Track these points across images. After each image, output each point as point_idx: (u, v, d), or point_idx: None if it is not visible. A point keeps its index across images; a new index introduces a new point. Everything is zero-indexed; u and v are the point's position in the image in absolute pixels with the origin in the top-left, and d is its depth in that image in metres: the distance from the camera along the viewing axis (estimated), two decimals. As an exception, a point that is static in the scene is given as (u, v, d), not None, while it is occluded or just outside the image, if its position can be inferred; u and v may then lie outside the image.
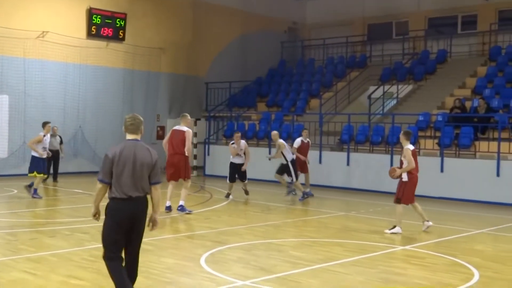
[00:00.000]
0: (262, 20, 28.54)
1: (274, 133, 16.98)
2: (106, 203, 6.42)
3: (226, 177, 16.84)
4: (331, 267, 8.80)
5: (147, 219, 6.60)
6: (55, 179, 19.54)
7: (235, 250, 9.82)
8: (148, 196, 6.52)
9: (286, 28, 30.30)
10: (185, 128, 13.29)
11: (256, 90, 26.66)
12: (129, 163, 6.31)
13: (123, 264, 6.50)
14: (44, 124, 15.58)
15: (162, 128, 25.54)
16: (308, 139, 17.59)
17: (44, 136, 15.30)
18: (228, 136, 23.31)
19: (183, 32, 25.93)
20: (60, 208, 15.07)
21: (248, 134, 22.74)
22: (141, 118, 6.67)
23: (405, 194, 11.46)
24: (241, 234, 11.22)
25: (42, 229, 11.14)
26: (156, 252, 9.46)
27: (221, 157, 22.04)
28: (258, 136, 22.65)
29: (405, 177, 11.45)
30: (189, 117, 13.73)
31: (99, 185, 6.38)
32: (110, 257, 6.41)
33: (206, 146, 23.71)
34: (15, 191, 16.81)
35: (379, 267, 8.91)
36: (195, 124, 23.66)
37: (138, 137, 6.57)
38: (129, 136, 6.56)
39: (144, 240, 10.09)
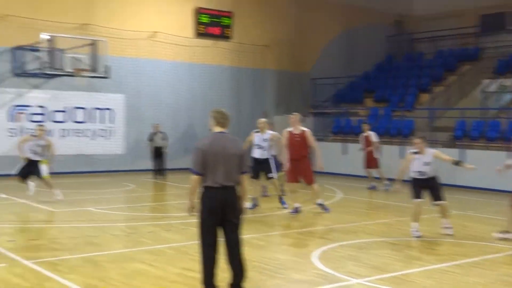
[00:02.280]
0: (367, 13, 28.07)
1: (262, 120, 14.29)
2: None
3: (334, 174, 16.72)
4: (448, 268, 8.52)
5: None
6: (162, 174, 20.15)
7: (347, 247, 9.73)
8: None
9: (393, 21, 29.62)
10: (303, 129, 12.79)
11: (363, 85, 26.25)
12: (220, 154, 6.52)
13: (217, 255, 6.64)
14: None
15: (270, 125, 25.70)
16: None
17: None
18: (336, 132, 23.18)
19: (288, 28, 26.02)
20: (173, 203, 15.57)
21: (356, 130, 22.42)
22: (228, 113, 6.89)
23: None
24: (352, 232, 11.10)
25: (158, 223, 11.57)
26: (268, 247, 9.58)
27: (328, 154, 21.89)
28: (366, 132, 22.27)
29: None
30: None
31: (193, 177, 6.59)
32: (205, 244, 6.61)
33: (313, 143, 23.61)
34: (132, 186, 17.59)
35: (501, 269, 8.52)
36: (302, 120, 23.62)
37: (226, 130, 6.77)
38: (217, 129, 6.77)
39: (256, 236, 10.39)
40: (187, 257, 8.80)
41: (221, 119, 6.80)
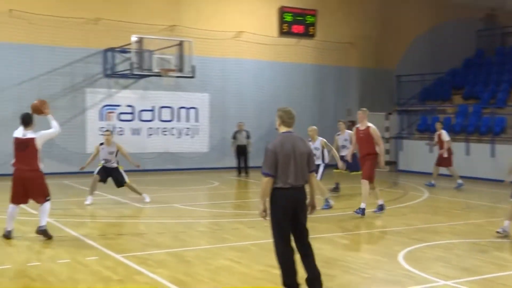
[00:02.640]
0: (455, 8, 27.16)
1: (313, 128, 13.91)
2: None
3: (420, 172, 16.31)
4: (544, 271, 8.11)
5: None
6: (246, 172, 20.37)
7: (435, 248, 9.45)
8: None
9: (483, 15, 28.52)
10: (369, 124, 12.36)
11: (450, 81, 25.42)
12: (291, 154, 6.54)
13: (295, 256, 6.65)
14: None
15: (353, 123, 25.45)
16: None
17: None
18: (422, 130, 22.62)
19: (373, 25, 25.62)
20: (257, 200, 15.63)
21: (443, 128, 21.77)
22: (295, 112, 6.84)
23: None
24: (440, 232, 10.79)
25: (242, 220, 11.69)
26: (353, 246, 9.47)
27: (415, 152, 21.44)
28: (455, 130, 21.61)
29: None
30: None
31: (265, 179, 6.58)
32: (281, 245, 6.65)
33: (399, 141, 23.17)
34: (216, 183, 17.87)
35: None
36: (387, 118, 23.26)
37: (292, 129, 6.76)
38: (284, 130, 6.75)
39: (340, 234, 10.29)
40: (271, 254, 8.76)
41: (288, 118, 6.78)
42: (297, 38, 23.95)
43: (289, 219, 6.62)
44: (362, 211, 11.97)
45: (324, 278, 7.55)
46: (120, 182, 13.56)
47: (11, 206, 9.53)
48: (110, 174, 13.57)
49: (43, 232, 9.53)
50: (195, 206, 13.53)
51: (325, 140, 13.52)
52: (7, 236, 9.48)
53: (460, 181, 17.31)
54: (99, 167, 13.63)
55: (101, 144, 13.64)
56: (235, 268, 8.09)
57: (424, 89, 25.38)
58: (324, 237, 10.15)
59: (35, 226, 9.81)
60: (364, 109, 12.73)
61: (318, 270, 6.75)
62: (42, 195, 9.54)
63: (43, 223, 9.54)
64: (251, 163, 20.62)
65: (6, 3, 18.57)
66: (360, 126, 12.45)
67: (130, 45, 18.89)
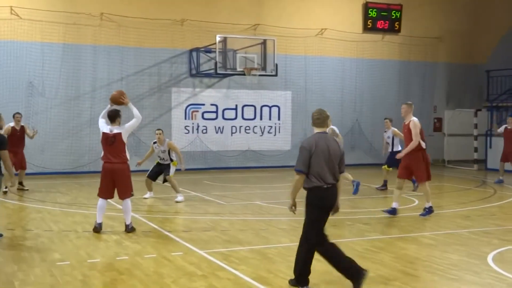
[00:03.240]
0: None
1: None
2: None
3: (511, 171, 15.65)
4: None
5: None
6: None
7: (527, 250, 9.04)
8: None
9: None
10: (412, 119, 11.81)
11: (546, 76, 24.20)
12: (325, 154, 6.72)
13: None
14: None
15: (440, 120, 24.78)
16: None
17: None
18: (513, 127, 21.63)
19: (462, 19, 24.79)
20: (339, 198, 15.48)
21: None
22: (328, 113, 7.00)
23: None
24: (533, 234, 10.30)
25: (324, 218, 11.57)
26: (439, 247, 9.18)
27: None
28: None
29: None
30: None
31: (297, 176, 6.77)
32: (313, 242, 6.86)
33: (488, 139, 22.29)
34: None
35: None
36: (475, 115, 22.44)
37: (325, 130, 6.96)
38: (317, 130, 6.94)
39: (425, 234, 10.03)
40: (353, 253, 8.69)
41: (317, 119, 6.95)
42: (382, 34, 23.55)
43: (326, 217, 6.90)
44: (428, 211, 11.72)
45: (408, 279, 7.40)
46: (165, 174, 13.91)
47: (100, 200, 9.96)
48: (162, 171, 13.97)
49: (131, 230, 9.97)
50: (276, 204, 13.56)
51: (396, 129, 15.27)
52: (97, 228, 9.90)
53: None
54: (154, 164, 14.11)
55: (154, 142, 13.95)
56: (316, 265, 7.98)
57: (516, 85, 24.29)
58: (408, 236, 9.93)
59: (123, 221, 10.15)
60: (410, 102, 12.19)
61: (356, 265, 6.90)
62: (127, 190, 9.95)
63: (129, 221, 10.00)
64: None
65: (98, 7, 19.31)
66: (405, 120, 11.92)
67: (214, 45, 19.19)
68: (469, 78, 25.12)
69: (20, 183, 15.11)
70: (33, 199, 13.92)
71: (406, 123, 11.84)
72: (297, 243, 9.30)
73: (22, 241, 9.45)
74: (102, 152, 10.05)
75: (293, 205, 6.98)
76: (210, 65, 20.11)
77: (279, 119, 22.17)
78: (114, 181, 9.87)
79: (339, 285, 7.15)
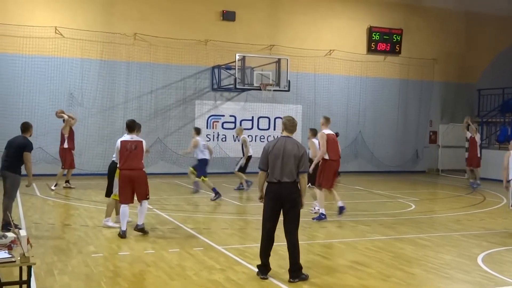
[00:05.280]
0: (538, 25, 25.57)
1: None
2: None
3: (499, 180, 15.40)
4: None
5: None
6: (338, 176, 20.27)
7: (513, 252, 8.93)
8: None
9: None
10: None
11: (532, 95, 23.97)
12: (279, 154, 6.92)
13: (270, 237, 7.05)
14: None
15: (435, 133, 24.61)
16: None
17: None
18: (502, 141, 21.49)
19: (456, 42, 24.63)
20: (343, 202, 15.41)
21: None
22: (296, 121, 7.27)
23: None
24: (518, 237, 10.17)
25: (330, 220, 11.52)
26: (434, 248, 9.10)
27: (494, 161, 20.35)
28: (534, 141, 20.34)
29: None
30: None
31: (259, 172, 7.14)
32: (264, 227, 7.07)
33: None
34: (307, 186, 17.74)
35: None
36: (467, 129, 22.24)
37: (292, 135, 7.15)
38: (284, 134, 7.18)
39: (421, 236, 9.94)
40: (356, 252, 8.67)
41: (291, 126, 7.17)
42: (384, 55, 23.44)
43: (274, 209, 6.97)
44: (320, 217, 11.25)
45: (404, 276, 7.34)
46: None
47: (122, 206, 9.34)
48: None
49: (141, 230, 9.43)
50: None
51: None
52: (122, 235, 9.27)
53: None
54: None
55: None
56: (323, 262, 8.01)
57: (504, 102, 24.07)
58: (406, 238, 9.86)
59: (153, 218, 10.17)
60: (326, 116, 11.85)
61: (296, 261, 6.97)
62: (147, 193, 9.45)
63: (142, 221, 9.45)
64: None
65: (132, 28, 19.44)
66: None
67: (234, 63, 19.22)
68: (461, 95, 24.93)
69: (67, 181, 15.50)
70: (72, 197, 14.01)
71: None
72: (307, 242, 9.32)
73: (61, 235, 9.50)
74: (119, 161, 9.36)
75: (260, 197, 7.22)
76: (230, 80, 20.16)
77: (290, 129, 22.07)
78: (134, 186, 9.28)
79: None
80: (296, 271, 6.99)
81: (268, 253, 7.09)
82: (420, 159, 24.21)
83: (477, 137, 19.09)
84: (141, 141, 9.48)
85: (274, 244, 7.14)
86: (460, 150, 22.80)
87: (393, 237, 9.88)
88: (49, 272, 7.11)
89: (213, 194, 13.71)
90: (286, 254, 8.40)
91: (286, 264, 7.11)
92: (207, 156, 14.15)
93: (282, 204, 6.96)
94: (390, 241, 9.57)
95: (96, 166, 18.64)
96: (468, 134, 19.28)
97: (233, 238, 9.52)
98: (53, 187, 15.04)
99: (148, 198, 9.56)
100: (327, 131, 11.46)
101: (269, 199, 7.01)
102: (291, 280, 6.94)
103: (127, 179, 9.28)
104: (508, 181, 10.59)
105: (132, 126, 9.54)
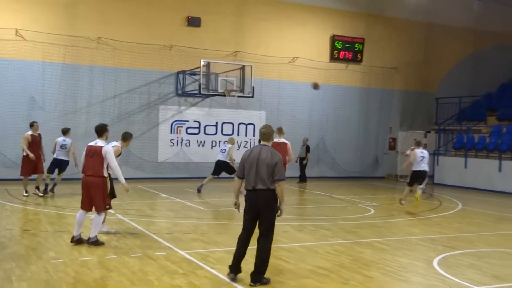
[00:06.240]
0: (494, 36, 26.35)
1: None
2: None
3: (455, 186, 15.88)
4: None
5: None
6: (304, 181, 20.70)
7: (467, 256, 9.17)
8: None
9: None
10: (285, 141, 13.27)
11: (486, 104, 24.70)
12: (254, 162, 7.01)
13: (248, 240, 7.18)
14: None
15: (394, 140, 25.08)
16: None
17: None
18: (458, 148, 22.09)
19: (415, 52, 25.20)
20: (305, 207, 15.62)
21: (478, 146, 21.29)
22: (273, 129, 7.38)
23: None
24: (472, 241, 10.46)
25: (291, 224, 11.63)
26: (391, 251, 9.28)
27: (450, 167, 20.92)
28: (488, 148, 21.00)
29: None
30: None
31: (235, 179, 7.36)
32: (242, 229, 7.20)
33: (436, 157, 22.62)
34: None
35: None
36: (425, 136, 22.78)
37: (269, 143, 7.23)
38: (262, 142, 7.29)
39: (379, 240, 10.13)
40: (317, 255, 8.77)
41: (263, 134, 7.27)
42: (346, 63, 23.80)
43: (250, 214, 7.05)
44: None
45: (363, 279, 7.46)
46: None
47: (79, 211, 9.02)
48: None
49: (93, 243, 8.86)
50: (251, 211, 13.55)
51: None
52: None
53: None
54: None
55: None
56: (285, 267, 8.07)
57: (461, 111, 24.75)
58: (365, 242, 10.02)
59: (115, 223, 10.04)
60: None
61: (260, 265, 7.06)
62: (101, 204, 8.85)
63: (93, 234, 8.89)
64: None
65: (95, 32, 19.21)
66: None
67: (198, 69, 19.21)
68: (420, 103, 25.50)
69: (37, 188, 14.63)
70: (31, 202, 13.72)
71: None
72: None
73: (20, 240, 9.31)
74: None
75: (235, 203, 7.32)
76: (195, 86, 20.13)
77: (254, 135, 22.19)
78: (90, 194, 8.83)
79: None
80: (257, 275, 7.03)
81: (241, 256, 7.20)
82: (380, 165, 24.64)
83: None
84: (101, 147, 8.83)
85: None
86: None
87: (353, 241, 10.03)
88: (7, 279, 6.95)
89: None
90: (249, 259, 8.45)
91: (250, 269, 7.15)
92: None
93: (257, 210, 7.02)
94: (349, 245, 9.70)
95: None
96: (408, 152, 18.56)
97: (196, 243, 9.49)
98: (40, 194, 14.53)
99: (106, 209, 9.03)
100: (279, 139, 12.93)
101: (247, 206, 7.13)
102: (251, 284, 6.98)
103: (83, 185, 8.92)
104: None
105: (99, 131, 9.01)
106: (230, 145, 16.84)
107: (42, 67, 18.58)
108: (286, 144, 13.26)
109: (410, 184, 14.76)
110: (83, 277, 7.18)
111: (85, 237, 9.07)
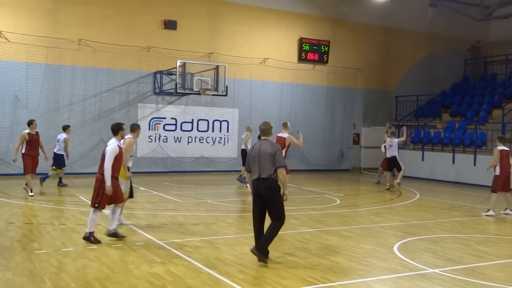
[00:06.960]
0: (447, 40, 26.86)
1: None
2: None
3: (414, 177, 16.12)
4: (517, 263, 7.92)
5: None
6: None
7: (424, 241, 9.32)
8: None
9: (470, 46, 28.18)
10: (286, 135, 13.15)
11: (441, 102, 25.16)
12: (256, 155, 7.37)
13: (261, 227, 7.46)
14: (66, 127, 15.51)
15: (358, 135, 25.31)
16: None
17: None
18: (416, 142, 22.41)
19: (377, 54, 25.45)
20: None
21: (434, 140, 21.66)
22: (271, 125, 7.69)
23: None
24: (428, 228, 10.64)
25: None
26: (356, 238, 9.36)
27: (409, 160, 21.20)
28: (443, 142, 21.37)
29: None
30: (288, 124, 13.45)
31: (245, 172, 7.77)
32: (253, 222, 7.50)
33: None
34: (243, 183, 17.84)
35: None
36: (386, 132, 23.02)
37: (268, 137, 7.59)
38: (262, 137, 7.62)
39: (345, 228, 10.22)
40: (288, 244, 8.80)
41: (263, 130, 7.62)
42: (313, 64, 23.89)
43: (257, 201, 7.33)
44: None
45: (329, 264, 7.52)
46: None
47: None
48: None
49: (88, 239, 8.48)
50: (225, 202, 13.54)
51: None
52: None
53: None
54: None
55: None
56: (257, 254, 8.05)
57: (418, 108, 25.15)
58: (331, 230, 10.09)
59: (102, 216, 9.89)
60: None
61: (262, 243, 7.32)
62: (94, 200, 8.49)
63: (89, 229, 8.53)
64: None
65: (76, 34, 18.87)
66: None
67: (175, 69, 19.04)
68: (381, 101, 25.79)
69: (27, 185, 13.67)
70: (16, 196, 13.42)
71: (285, 136, 13.16)
72: (242, 235, 9.36)
73: (5, 233, 9.10)
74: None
75: (252, 192, 7.50)
76: (171, 85, 19.95)
77: (228, 131, 22.14)
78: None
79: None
80: (260, 247, 7.32)
81: (259, 234, 7.46)
82: (345, 158, 24.85)
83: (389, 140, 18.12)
84: (106, 146, 8.65)
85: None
86: (380, 150, 23.54)
87: (320, 229, 10.09)
88: (-8, 269, 6.79)
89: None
90: (223, 247, 8.41)
91: (224, 257, 7.12)
92: None
93: (261, 196, 7.28)
94: (317, 233, 9.76)
95: (40, 167, 17.95)
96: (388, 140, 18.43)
97: (173, 233, 9.42)
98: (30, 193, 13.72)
99: (95, 207, 8.45)
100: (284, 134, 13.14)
101: (253, 195, 7.40)
102: (252, 249, 7.37)
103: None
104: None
105: (113, 130, 8.83)
106: (246, 133, 17.10)
107: (26, 67, 18.18)
108: (284, 138, 12.97)
109: (389, 169, 17.30)
110: (66, 266, 7.06)
111: (83, 235, 8.90)
